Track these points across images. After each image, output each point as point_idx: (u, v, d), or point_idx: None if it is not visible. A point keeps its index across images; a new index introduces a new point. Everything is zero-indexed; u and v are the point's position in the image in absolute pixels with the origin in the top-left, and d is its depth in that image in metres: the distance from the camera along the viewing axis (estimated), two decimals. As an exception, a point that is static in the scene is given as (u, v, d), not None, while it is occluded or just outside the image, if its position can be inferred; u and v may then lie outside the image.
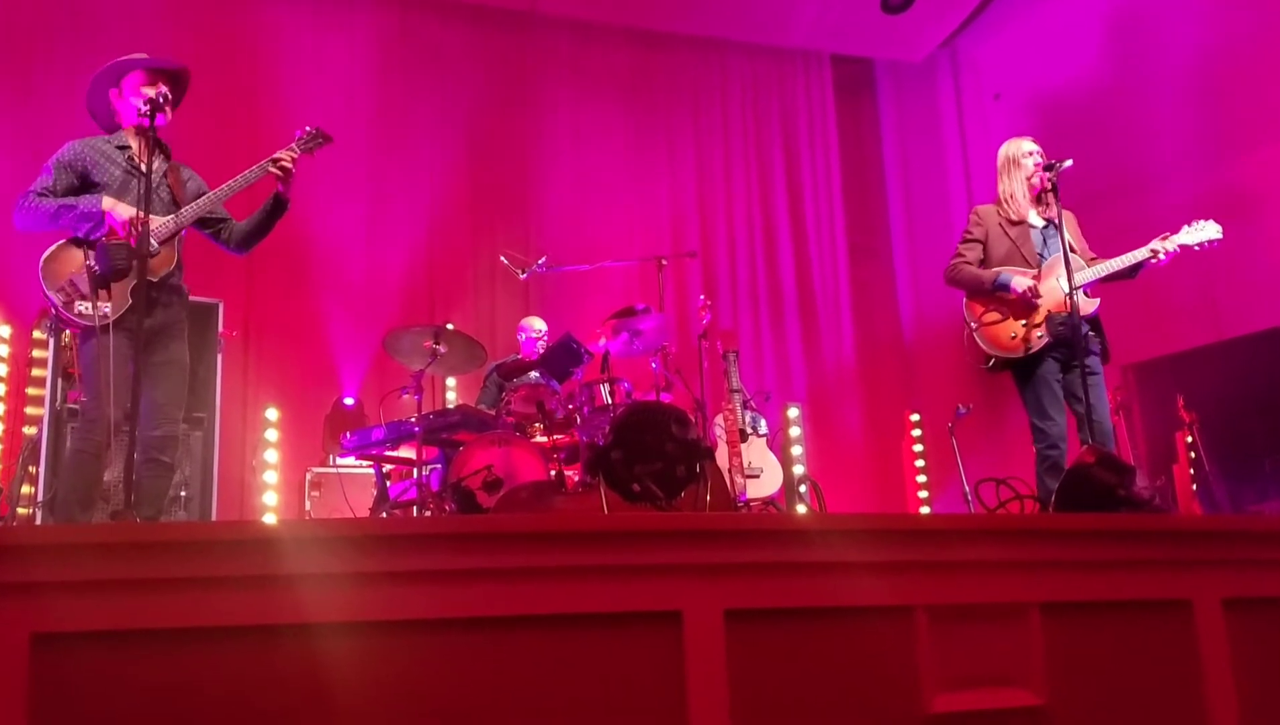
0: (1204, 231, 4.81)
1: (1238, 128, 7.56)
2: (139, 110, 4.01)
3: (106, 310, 3.90)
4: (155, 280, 4.01)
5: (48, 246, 4.06)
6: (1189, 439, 7.02)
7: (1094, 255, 4.95)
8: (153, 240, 3.96)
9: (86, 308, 3.93)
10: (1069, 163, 4.72)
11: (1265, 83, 7.39)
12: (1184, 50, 7.92)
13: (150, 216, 3.85)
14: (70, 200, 4.05)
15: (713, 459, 4.97)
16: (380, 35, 8.70)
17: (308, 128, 4.35)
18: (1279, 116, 7.31)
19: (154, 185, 3.95)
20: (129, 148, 4.20)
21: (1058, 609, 2.15)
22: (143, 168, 4.03)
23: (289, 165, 4.20)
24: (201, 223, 4.34)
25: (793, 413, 8.38)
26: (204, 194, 4.25)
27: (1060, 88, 8.85)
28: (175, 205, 4.17)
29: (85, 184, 4.12)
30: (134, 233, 3.89)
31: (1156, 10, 8.22)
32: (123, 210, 4.01)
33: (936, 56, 10.18)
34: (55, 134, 4.37)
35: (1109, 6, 8.66)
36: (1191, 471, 7.00)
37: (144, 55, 4.29)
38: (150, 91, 4.05)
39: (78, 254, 4.02)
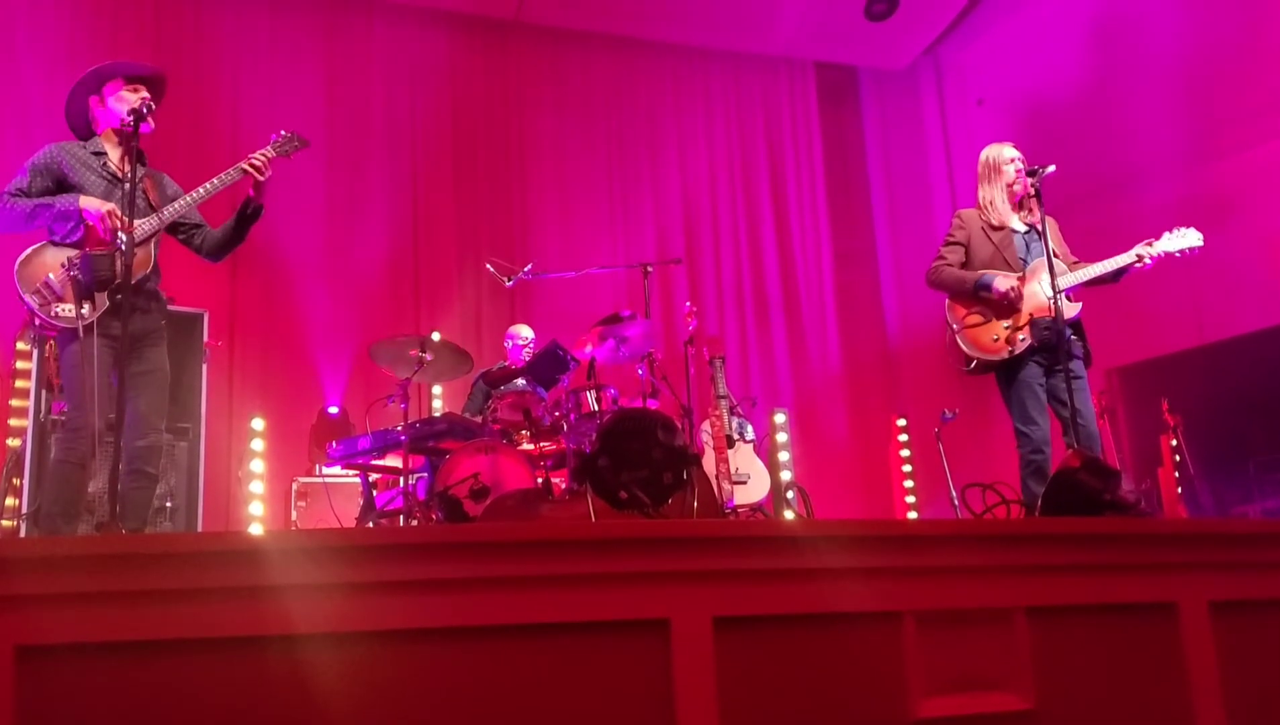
0: (1185, 239, 4.83)
1: (1220, 130, 7.60)
2: (122, 119, 4.00)
3: (85, 311, 3.88)
4: (131, 282, 3.94)
5: (23, 251, 4.02)
6: (1174, 442, 7.04)
7: (1076, 259, 4.95)
8: (126, 238, 3.91)
9: (63, 309, 3.90)
10: (1051, 168, 4.71)
11: (1247, 85, 7.43)
12: (1166, 54, 7.96)
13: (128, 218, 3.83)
14: (47, 200, 4.03)
15: (700, 465, 4.96)
16: (363, 44, 8.69)
17: (283, 131, 4.36)
18: (1261, 119, 7.35)
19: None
20: (104, 154, 4.18)
21: (1044, 613, 2.16)
22: (119, 175, 4.01)
23: (260, 164, 4.21)
24: (175, 229, 4.32)
25: (779, 418, 8.37)
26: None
27: (1043, 92, 8.88)
28: (152, 210, 4.14)
29: (61, 187, 4.09)
30: (112, 227, 3.89)
31: (1138, 14, 8.26)
32: (97, 203, 3.97)
33: (920, 63, 10.23)
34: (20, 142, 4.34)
35: (1090, 11, 8.70)
36: (1176, 475, 7.01)
37: (123, 61, 4.31)
38: (133, 99, 4.06)
39: (53, 256, 3.98)
